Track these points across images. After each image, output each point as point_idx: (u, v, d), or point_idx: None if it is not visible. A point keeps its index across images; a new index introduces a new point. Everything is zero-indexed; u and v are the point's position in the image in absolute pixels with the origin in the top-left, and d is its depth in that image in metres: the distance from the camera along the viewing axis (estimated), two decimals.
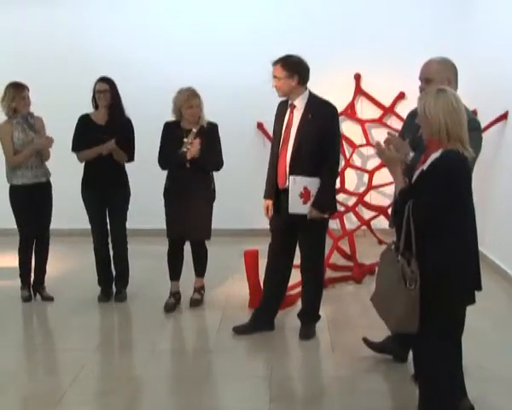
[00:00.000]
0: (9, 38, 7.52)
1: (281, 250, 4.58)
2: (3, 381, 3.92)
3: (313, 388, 3.79)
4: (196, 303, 5.21)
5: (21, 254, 5.30)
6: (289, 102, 4.40)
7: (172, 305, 5.15)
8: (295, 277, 5.66)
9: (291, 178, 4.29)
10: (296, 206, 4.28)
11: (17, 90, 5.09)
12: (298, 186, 4.26)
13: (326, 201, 4.33)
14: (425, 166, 2.95)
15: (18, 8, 7.46)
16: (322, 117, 4.29)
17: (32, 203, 5.16)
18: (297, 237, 4.52)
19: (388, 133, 3.57)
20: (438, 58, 3.58)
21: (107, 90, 5.11)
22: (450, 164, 2.87)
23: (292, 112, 4.39)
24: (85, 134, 5.19)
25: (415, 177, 3.02)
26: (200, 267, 5.28)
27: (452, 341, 3.07)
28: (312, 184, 4.27)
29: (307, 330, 4.58)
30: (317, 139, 4.25)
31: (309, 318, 4.62)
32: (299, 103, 4.35)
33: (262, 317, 4.66)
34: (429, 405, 3.06)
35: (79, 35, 7.43)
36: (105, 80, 5.14)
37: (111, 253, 5.43)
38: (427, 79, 3.51)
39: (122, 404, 3.63)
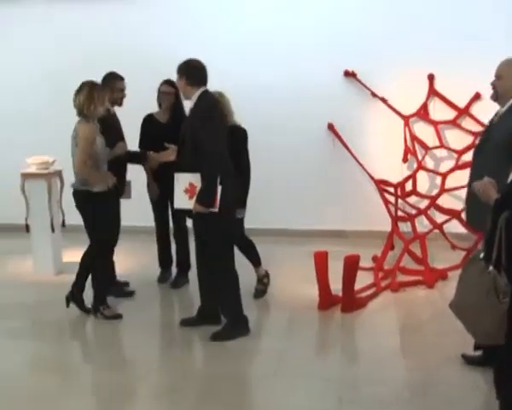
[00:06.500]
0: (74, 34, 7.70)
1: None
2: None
3: (380, 391, 3.76)
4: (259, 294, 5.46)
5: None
6: None
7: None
8: (365, 278, 5.65)
9: (175, 175, 4.43)
10: (181, 202, 4.42)
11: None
12: (182, 183, 4.38)
13: (206, 197, 4.30)
14: None
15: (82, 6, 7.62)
16: (193, 117, 4.43)
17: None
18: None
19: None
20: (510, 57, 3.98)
21: (171, 93, 5.47)
22: None
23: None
24: (149, 132, 5.57)
25: (508, 181, 2.94)
26: (249, 257, 5.46)
27: None
28: (197, 179, 4.33)
29: (219, 331, 4.58)
30: (192, 139, 4.34)
31: (227, 321, 4.62)
32: (192, 104, 4.49)
33: (206, 312, 4.79)
34: None
35: (140, 34, 7.51)
36: (169, 83, 5.45)
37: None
38: (497, 75, 3.97)
39: (188, 400, 3.73)
